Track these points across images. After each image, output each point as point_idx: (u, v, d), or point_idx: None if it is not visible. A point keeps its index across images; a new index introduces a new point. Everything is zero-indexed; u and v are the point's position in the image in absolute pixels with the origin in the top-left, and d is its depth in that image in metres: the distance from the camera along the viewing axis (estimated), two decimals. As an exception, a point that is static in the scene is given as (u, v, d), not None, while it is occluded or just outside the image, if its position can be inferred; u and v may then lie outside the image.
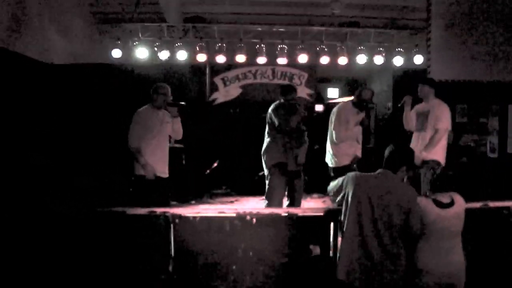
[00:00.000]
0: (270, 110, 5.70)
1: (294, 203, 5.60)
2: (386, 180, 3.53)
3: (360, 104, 5.82)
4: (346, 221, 3.51)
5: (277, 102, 5.72)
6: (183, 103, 5.29)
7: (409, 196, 3.54)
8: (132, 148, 4.94)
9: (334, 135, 5.86)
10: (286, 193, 5.71)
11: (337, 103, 6.42)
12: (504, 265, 4.20)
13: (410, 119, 5.53)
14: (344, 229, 3.52)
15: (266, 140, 5.74)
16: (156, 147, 5.02)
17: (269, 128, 5.72)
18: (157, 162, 5.00)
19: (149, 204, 4.34)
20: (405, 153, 3.75)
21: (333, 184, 3.76)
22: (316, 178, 7.22)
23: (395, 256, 3.43)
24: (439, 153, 5.30)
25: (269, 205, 5.52)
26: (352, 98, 5.96)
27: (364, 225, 3.43)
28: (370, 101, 5.93)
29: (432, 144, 5.24)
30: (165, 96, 5.12)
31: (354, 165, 5.80)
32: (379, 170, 3.61)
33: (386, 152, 3.68)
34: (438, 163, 5.22)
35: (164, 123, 5.10)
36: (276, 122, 5.56)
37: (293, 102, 5.65)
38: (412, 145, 5.25)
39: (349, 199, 3.50)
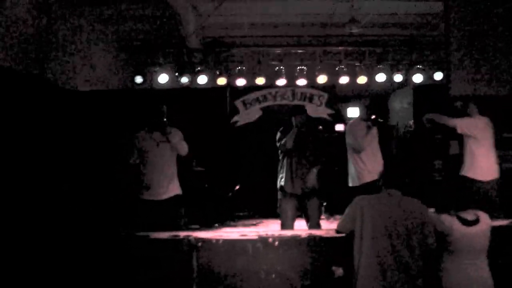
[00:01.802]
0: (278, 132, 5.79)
1: (311, 225, 5.57)
2: (393, 199, 3.51)
3: (366, 115, 5.93)
4: (362, 247, 3.46)
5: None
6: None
7: (420, 210, 3.50)
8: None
9: (355, 146, 5.89)
10: (303, 215, 5.69)
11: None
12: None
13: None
14: (361, 256, 3.47)
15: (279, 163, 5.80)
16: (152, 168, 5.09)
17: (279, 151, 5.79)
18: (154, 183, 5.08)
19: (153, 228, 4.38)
20: (399, 167, 3.74)
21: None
22: (338, 200, 7.18)
23: (417, 276, 3.39)
24: None
25: (282, 227, 5.53)
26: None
27: (381, 251, 3.39)
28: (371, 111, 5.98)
29: None
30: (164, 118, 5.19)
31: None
32: (383, 191, 3.59)
33: (387, 171, 3.67)
34: None
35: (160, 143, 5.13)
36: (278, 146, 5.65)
37: (296, 123, 5.66)
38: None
39: (362, 224, 3.46)
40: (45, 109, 6.20)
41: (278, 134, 5.73)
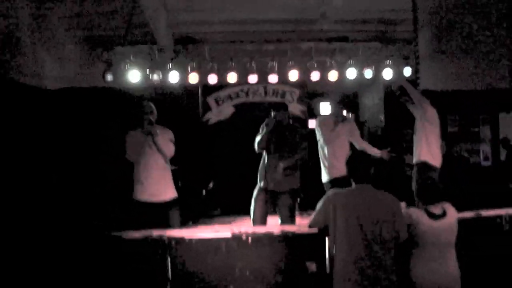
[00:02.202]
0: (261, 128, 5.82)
1: (283, 221, 5.60)
2: (364, 193, 3.56)
3: (337, 110, 6.30)
4: (336, 242, 3.51)
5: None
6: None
7: (391, 203, 3.57)
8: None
9: (321, 142, 6.08)
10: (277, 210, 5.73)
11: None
12: (499, 274, 4.22)
13: None
14: (336, 250, 3.52)
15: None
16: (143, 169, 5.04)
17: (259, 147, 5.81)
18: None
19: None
20: (364, 159, 3.80)
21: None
22: (311, 195, 7.24)
23: (390, 270, 3.45)
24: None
25: (252, 224, 5.58)
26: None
27: (355, 243, 3.44)
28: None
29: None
30: (147, 115, 5.13)
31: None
32: (353, 186, 3.65)
33: (350, 166, 3.72)
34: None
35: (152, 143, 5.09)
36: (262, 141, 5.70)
37: (275, 120, 5.68)
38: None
39: (334, 219, 3.50)
40: (12, 109, 6.07)
41: (261, 130, 5.76)
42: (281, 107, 5.94)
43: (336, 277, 3.49)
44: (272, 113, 5.77)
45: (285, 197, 5.64)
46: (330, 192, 3.75)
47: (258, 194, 5.68)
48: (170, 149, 5.18)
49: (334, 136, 6.09)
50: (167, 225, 4.87)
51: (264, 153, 5.77)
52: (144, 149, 5.05)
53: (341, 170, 5.79)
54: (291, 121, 5.95)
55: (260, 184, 5.68)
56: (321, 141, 6.21)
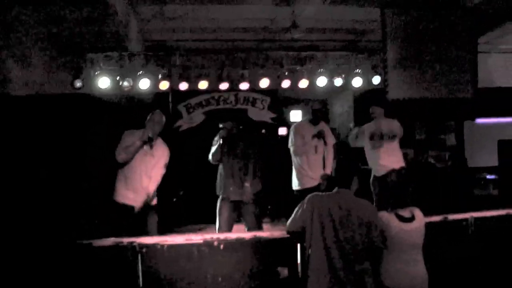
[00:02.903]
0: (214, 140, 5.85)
1: (248, 229, 5.61)
2: (343, 198, 3.62)
3: (315, 119, 6.14)
4: (312, 245, 3.54)
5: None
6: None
7: (368, 210, 3.63)
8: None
9: (292, 151, 6.05)
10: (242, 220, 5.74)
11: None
12: (465, 276, 4.33)
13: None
14: (310, 254, 3.54)
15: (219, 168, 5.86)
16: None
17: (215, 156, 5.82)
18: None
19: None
20: (353, 165, 3.88)
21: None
22: (283, 203, 7.28)
23: (362, 273, 3.49)
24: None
25: (218, 230, 5.57)
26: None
27: (330, 247, 3.48)
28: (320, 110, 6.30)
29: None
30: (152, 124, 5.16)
31: (323, 186, 5.78)
32: (334, 190, 3.70)
33: (337, 168, 3.79)
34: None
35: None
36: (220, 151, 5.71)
37: (233, 128, 5.70)
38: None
39: (311, 221, 3.54)
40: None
41: (214, 143, 5.77)
42: (238, 115, 5.98)
43: (311, 278, 3.51)
44: (220, 125, 5.78)
45: (249, 206, 5.64)
46: (311, 195, 3.78)
47: (221, 206, 5.67)
48: (158, 174, 5.23)
49: (312, 145, 6.03)
50: (145, 231, 4.85)
51: (220, 164, 5.78)
52: (139, 153, 5.02)
53: (314, 181, 5.86)
54: (238, 129, 5.89)
55: (222, 195, 5.67)
56: (292, 150, 6.17)
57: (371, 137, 6.32)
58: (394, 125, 6.38)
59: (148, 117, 5.20)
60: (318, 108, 6.37)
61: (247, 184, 5.59)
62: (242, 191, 5.58)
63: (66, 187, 6.77)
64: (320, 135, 5.99)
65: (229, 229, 5.59)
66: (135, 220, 4.91)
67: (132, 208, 4.94)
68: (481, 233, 4.51)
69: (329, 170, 5.89)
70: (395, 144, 6.33)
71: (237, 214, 5.68)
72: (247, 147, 5.73)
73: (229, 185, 5.58)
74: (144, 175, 5.05)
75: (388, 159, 6.18)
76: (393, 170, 6.06)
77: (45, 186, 6.80)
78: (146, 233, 4.82)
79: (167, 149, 5.27)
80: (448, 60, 8.04)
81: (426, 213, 3.93)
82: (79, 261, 3.96)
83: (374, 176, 6.25)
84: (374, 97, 8.29)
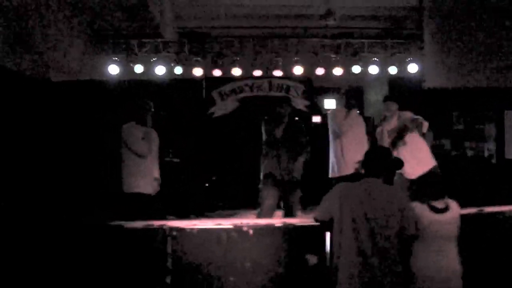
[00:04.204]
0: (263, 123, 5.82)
1: (289, 215, 5.60)
2: (372, 186, 3.54)
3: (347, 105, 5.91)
4: (342, 234, 3.49)
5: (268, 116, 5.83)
6: None
7: (398, 197, 3.56)
8: None
9: (336, 131, 5.82)
10: (282, 205, 5.72)
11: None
12: (501, 270, 4.20)
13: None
14: (341, 244, 3.49)
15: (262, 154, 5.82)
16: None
17: (262, 141, 5.81)
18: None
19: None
20: (381, 153, 3.79)
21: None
22: (313, 192, 7.21)
23: (395, 262, 3.43)
24: None
25: (259, 215, 5.54)
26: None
27: (361, 236, 3.42)
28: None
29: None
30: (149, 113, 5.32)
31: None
32: (363, 179, 3.62)
33: (365, 159, 3.71)
34: None
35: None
36: (264, 136, 5.69)
37: (281, 114, 5.69)
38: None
39: (341, 212, 3.48)
40: (18, 101, 6.07)
41: (267, 125, 5.75)
42: (283, 101, 5.93)
43: (341, 268, 3.46)
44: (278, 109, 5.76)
45: (297, 192, 5.66)
46: (338, 185, 3.74)
47: (267, 188, 5.62)
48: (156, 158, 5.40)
49: (349, 125, 5.74)
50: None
51: (269, 147, 5.75)
52: (150, 145, 5.15)
53: (350, 168, 5.72)
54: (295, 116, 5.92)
55: (267, 176, 5.64)
56: (334, 129, 5.85)
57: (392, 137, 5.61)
58: (412, 119, 5.60)
59: (145, 107, 5.27)
60: (346, 92, 6.16)
61: (298, 169, 5.63)
62: (293, 175, 5.61)
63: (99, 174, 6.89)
64: (349, 109, 5.86)
65: (272, 214, 5.57)
66: (151, 207, 5.03)
67: (146, 195, 5.07)
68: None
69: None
70: (420, 141, 5.63)
71: (280, 199, 5.66)
72: (299, 133, 5.76)
73: (277, 167, 5.58)
74: (150, 162, 5.20)
75: (413, 162, 5.35)
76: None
77: (78, 171, 6.93)
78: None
79: (151, 132, 5.34)
80: (489, 48, 7.81)
81: (461, 205, 3.82)
82: (110, 243, 4.03)
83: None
84: (409, 86, 8.14)
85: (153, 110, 5.39)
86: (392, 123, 5.67)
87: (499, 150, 7.99)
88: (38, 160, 6.32)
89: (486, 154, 8.06)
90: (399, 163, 3.91)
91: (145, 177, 5.12)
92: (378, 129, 5.86)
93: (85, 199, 6.02)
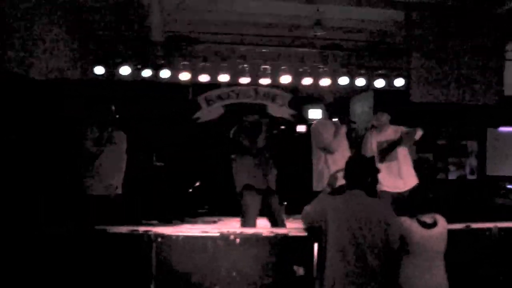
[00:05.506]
0: (232, 132, 5.82)
1: (275, 224, 5.55)
2: (357, 199, 3.48)
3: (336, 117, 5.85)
4: (327, 246, 3.43)
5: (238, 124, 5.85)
6: None
7: (384, 210, 3.52)
8: None
9: (323, 149, 5.63)
10: (265, 213, 5.69)
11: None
12: (487, 285, 4.22)
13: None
14: (327, 256, 3.43)
15: (234, 162, 5.81)
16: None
17: (234, 150, 5.80)
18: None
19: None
20: (363, 165, 3.72)
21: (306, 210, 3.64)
22: (297, 200, 7.17)
23: (379, 276, 3.40)
24: None
25: (244, 224, 5.49)
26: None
27: (345, 248, 3.36)
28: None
29: None
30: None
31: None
32: (347, 191, 3.54)
33: (347, 169, 3.63)
34: None
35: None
36: (243, 144, 5.69)
37: (258, 121, 5.68)
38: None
39: (326, 224, 3.42)
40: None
41: (242, 133, 5.77)
42: (253, 109, 5.97)
43: (326, 281, 3.41)
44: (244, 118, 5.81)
45: (275, 198, 5.64)
46: (321, 195, 3.69)
47: (250, 194, 5.57)
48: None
49: (338, 141, 5.54)
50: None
51: (235, 157, 5.75)
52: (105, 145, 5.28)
53: (339, 181, 5.64)
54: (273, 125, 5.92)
55: (246, 187, 5.60)
56: (324, 146, 5.57)
57: (381, 150, 5.51)
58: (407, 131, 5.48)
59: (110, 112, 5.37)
60: (329, 104, 6.18)
61: (272, 178, 5.64)
62: (269, 184, 5.60)
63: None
64: (338, 126, 5.76)
65: (255, 221, 5.53)
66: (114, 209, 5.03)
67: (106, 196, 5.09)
68: (505, 243, 4.39)
69: None
70: (408, 157, 5.57)
71: (262, 206, 5.61)
72: (273, 142, 5.77)
73: (254, 175, 5.57)
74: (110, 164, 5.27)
75: (398, 177, 5.39)
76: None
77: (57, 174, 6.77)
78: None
79: (119, 133, 5.43)
80: (474, 65, 7.94)
81: (447, 220, 3.82)
82: (93, 247, 3.93)
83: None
84: (395, 99, 8.19)
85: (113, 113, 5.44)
86: (383, 135, 5.60)
87: (480, 166, 8.10)
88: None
89: (468, 170, 8.16)
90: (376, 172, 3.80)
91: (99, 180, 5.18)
92: (365, 139, 5.78)
93: (53, 200, 5.88)
